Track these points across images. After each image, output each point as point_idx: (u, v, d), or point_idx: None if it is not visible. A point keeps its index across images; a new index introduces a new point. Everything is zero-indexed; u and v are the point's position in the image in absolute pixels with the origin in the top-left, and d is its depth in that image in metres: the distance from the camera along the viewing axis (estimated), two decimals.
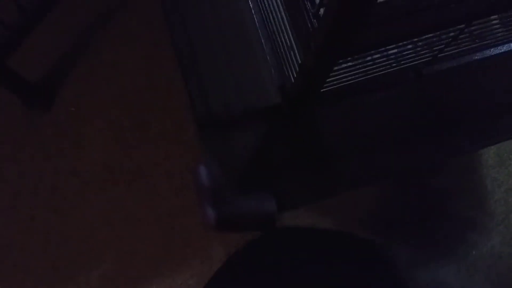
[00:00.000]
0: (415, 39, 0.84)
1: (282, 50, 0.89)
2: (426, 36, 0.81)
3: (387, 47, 0.87)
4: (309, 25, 0.61)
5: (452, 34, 0.80)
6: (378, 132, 0.87)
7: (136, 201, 1.37)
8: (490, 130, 0.92)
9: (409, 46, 0.90)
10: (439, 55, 0.86)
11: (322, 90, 0.87)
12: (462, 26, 0.77)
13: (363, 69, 0.91)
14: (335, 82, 0.88)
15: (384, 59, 0.89)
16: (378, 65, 0.91)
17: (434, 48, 0.85)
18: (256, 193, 0.70)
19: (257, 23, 0.94)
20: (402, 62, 0.91)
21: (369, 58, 0.92)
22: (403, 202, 1.42)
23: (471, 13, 0.68)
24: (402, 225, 1.40)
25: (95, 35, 1.47)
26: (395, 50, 0.90)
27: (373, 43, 0.65)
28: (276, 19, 0.89)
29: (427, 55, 0.86)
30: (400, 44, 0.88)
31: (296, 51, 0.84)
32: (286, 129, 0.83)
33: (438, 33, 0.82)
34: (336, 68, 0.89)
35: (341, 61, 0.85)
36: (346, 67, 0.91)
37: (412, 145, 0.85)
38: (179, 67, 0.87)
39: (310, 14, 0.60)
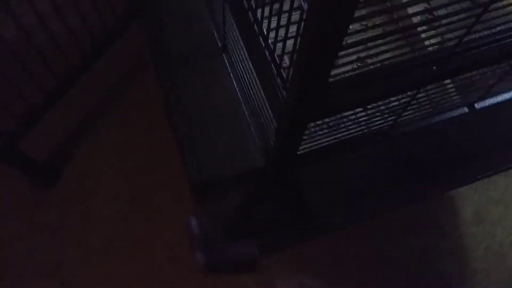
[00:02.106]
0: (380, 106, 0.97)
1: (263, 121, 1.03)
2: (385, 102, 0.95)
3: (356, 115, 1.00)
4: (280, 96, 0.74)
5: (406, 100, 0.93)
6: (352, 186, 0.98)
7: (138, 271, 1.44)
8: (452, 176, 1.04)
9: (377, 113, 1.03)
10: (399, 120, 0.99)
11: (299, 153, 1.00)
12: (413, 92, 0.90)
13: (335, 134, 1.04)
14: (310, 146, 1.01)
15: (352, 125, 1.02)
16: (348, 131, 1.04)
17: (395, 114, 0.98)
18: (240, 240, 0.80)
19: (241, 99, 1.08)
20: (371, 126, 1.04)
21: (342, 125, 1.05)
22: (387, 261, 1.50)
23: (415, 82, 0.81)
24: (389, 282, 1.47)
25: (97, 117, 1.62)
26: (365, 117, 1.04)
27: (332, 110, 0.78)
28: (256, 96, 1.03)
29: (389, 119, 0.99)
30: (365, 111, 1.01)
31: (274, 122, 0.97)
32: (270, 187, 0.94)
33: (396, 100, 0.95)
34: (311, 133, 1.02)
35: (314, 126, 0.98)
36: (321, 133, 1.04)
37: (379, 196, 0.95)
38: (176, 141, 1.00)
39: (280, 87, 0.74)
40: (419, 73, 0.79)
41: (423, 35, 0.87)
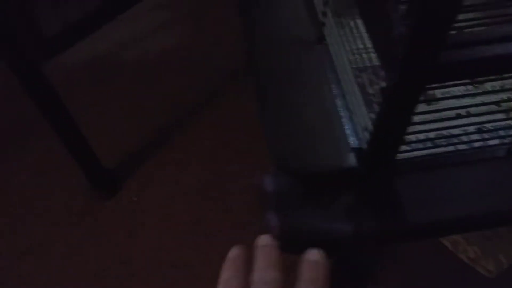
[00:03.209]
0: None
1: (359, 116, 0.88)
2: None
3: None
4: (396, 33, 0.60)
5: None
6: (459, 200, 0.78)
7: None
8: None
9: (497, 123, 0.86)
10: None
11: (397, 158, 0.83)
12: None
13: (440, 142, 0.87)
14: (410, 151, 0.84)
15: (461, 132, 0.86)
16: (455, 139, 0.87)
17: None
18: (329, 209, 0.62)
19: (335, 94, 0.96)
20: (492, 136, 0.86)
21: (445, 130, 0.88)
22: None
23: None
24: None
25: (170, 133, 1.54)
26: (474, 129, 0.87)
27: (456, 67, 0.62)
28: (353, 88, 0.90)
29: None
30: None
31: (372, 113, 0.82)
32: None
33: None
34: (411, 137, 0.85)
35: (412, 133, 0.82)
36: (422, 139, 0.87)
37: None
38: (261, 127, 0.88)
39: (397, 22, 0.60)
40: None
41: None
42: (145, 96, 1.62)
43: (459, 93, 0.97)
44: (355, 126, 0.89)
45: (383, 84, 0.89)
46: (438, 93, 0.97)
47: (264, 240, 0.53)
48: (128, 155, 1.50)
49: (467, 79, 0.78)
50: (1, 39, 0.89)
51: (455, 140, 0.92)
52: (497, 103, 0.94)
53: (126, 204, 1.42)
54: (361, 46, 0.88)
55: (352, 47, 0.91)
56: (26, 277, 1.31)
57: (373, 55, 0.83)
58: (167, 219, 1.39)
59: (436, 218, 0.76)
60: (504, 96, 0.97)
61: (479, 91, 0.97)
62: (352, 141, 0.88)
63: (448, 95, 0.95)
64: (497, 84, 0.96)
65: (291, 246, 0.58)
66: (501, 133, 0.91)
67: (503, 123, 0.90)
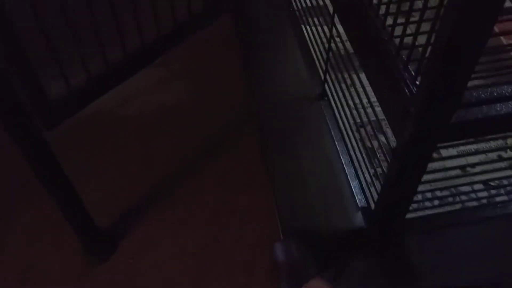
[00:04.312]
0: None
1: (364, 172, 0.87)
2: None
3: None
4: (407, 92, 0.59)
5: None
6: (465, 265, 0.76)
7: None
8: None
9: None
10: None
11: (407, 217, 0.81)
12: None
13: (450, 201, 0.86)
14: (417, 210, 0.83)
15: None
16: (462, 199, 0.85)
17: None
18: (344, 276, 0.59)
19: (339, 150, 0.94)
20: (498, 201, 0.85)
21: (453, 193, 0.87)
22: None
23: None
24: None
25: (169, 189, 1.51)
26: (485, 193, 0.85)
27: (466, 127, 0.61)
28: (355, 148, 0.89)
29: None
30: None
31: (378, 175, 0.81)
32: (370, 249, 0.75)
33: None
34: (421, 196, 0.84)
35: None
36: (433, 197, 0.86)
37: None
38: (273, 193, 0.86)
39: (408, 82, 0.59)
40: None
41: None
42: (143, 152, 1.59)
43: (463, 151, 0.96)
44: (361, 184, 0.88)
45: (383, 138, 0.88)
46: (442, 151, 0.96)
47: None
48: (124, 213, 1.46)
49: (478, 136, 0.77)
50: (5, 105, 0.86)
51: (463, 197, 0.91)
52: (501, 160, 0.93)
53: (122, 267, 1.36)
54: (358, 101, 0.87)
55: (350, 102, 0.91)
56: None
57: (370, 111, 0.82)
58: (165, 283, 1.33)
59: (448, 284, 0.73)
60: (505, 153, 0.96)
61: (482, 148, 0.96)
62: (359, 199, 0.86)
63: (454, 153, 0.95)
64: (498, 141, 0.96)
65: None
66: (509, 188, 0.90)
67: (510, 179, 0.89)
